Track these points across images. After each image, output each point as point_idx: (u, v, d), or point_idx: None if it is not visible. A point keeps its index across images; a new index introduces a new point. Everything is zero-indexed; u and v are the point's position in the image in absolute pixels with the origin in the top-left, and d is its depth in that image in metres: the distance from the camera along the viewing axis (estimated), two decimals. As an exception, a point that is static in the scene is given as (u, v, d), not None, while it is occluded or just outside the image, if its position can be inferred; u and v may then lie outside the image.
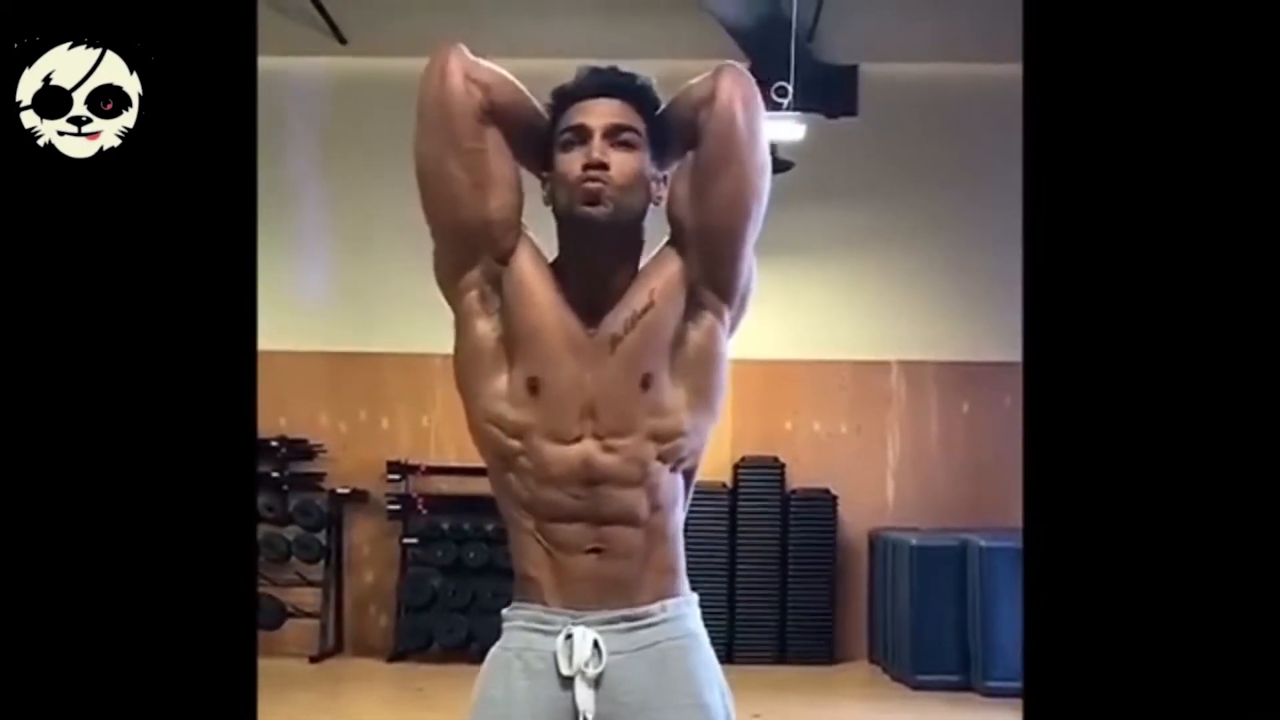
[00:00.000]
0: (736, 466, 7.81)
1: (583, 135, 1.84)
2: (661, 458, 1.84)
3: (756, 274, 1.92)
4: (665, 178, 1.90)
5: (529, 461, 1.83)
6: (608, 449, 1.82)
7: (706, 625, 1.90)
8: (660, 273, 1.87)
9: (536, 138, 1.90)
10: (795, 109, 6.70)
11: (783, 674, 7.35)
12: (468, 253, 1.87)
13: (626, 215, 1.84)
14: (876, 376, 8.03)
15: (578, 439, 1.82)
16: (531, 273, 1.87)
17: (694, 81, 1.91)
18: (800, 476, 7.88)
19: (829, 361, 8.01)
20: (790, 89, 6.66)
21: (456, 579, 7.66)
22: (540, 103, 1.91)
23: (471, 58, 1.87)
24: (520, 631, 1.85)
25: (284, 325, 7.76)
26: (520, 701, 1.80)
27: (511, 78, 1.90)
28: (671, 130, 1.90)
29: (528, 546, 1.86)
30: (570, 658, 1.78)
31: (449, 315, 1.90)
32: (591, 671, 1.78)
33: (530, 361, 1.84)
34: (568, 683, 1.78)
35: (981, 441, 7.64)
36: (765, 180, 1.88)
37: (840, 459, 7.97)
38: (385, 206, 7.96)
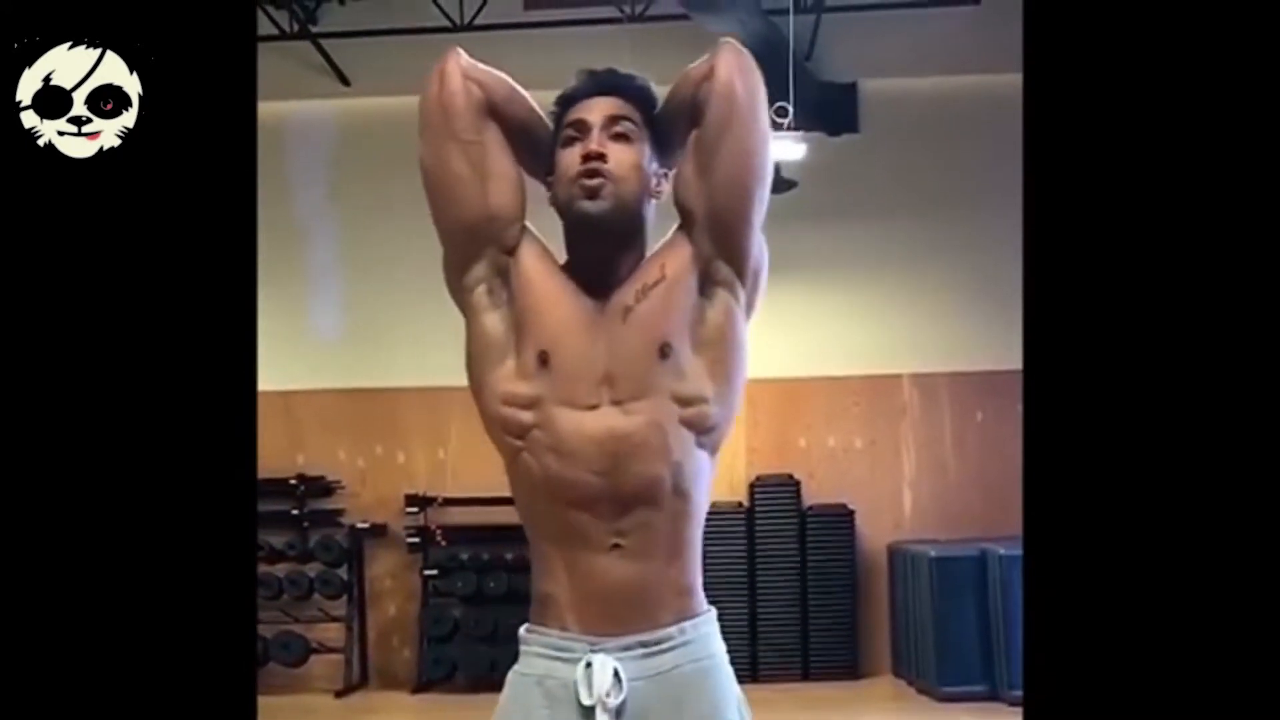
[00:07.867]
0: (752, 485, 7.81)
1: (581, 129, 1.86)
2: (686, 423, 1.81)
3: (766, 274, 1.90)
4: (667, 174, 1.90)
5: (544, 435, 1.80)
6: (628, 413, 1.79)
7: (729, 646, 1.86)
8: (671, 252, 1.87)
9: (537, 141, 1.91)
10: (796, 128, 6.73)
11: (809, 691, 7.33)
12: (473, 247, 1.87)
13: (626, 208, 1.83)
14: (888, 390, 8.04)
15: (595, 406, 1.79)
16: (537, 263, 1.86)
17: (692, 65, 1.91)
18: (816, 493, 7.88)
19: (840, 377, 8.02)
20: (790, 109, 6.69)
21: (478, 609, 7.66)
22: (541, 109, 1.93)
23: (469, 60, 1.90)
24: (540, 658, 1.82)
25: (299, 364, 7.83)
26: None
27: (509, 80, 1.91)
28: (673, 118, 1.90)
29: (546, 556, 1.83)
30: (590, 687, 1.75)
31: (462, 348, 1.89)
32: (612, 702, 1.75)
33: (539, 336, 1.82)
34: (588, 712, 1.75)
35: (997, 450, 7.60)
36: (769, 149, 1.88)
37: (856, 474, 7.98)
38: (395, 242, 8.00)
